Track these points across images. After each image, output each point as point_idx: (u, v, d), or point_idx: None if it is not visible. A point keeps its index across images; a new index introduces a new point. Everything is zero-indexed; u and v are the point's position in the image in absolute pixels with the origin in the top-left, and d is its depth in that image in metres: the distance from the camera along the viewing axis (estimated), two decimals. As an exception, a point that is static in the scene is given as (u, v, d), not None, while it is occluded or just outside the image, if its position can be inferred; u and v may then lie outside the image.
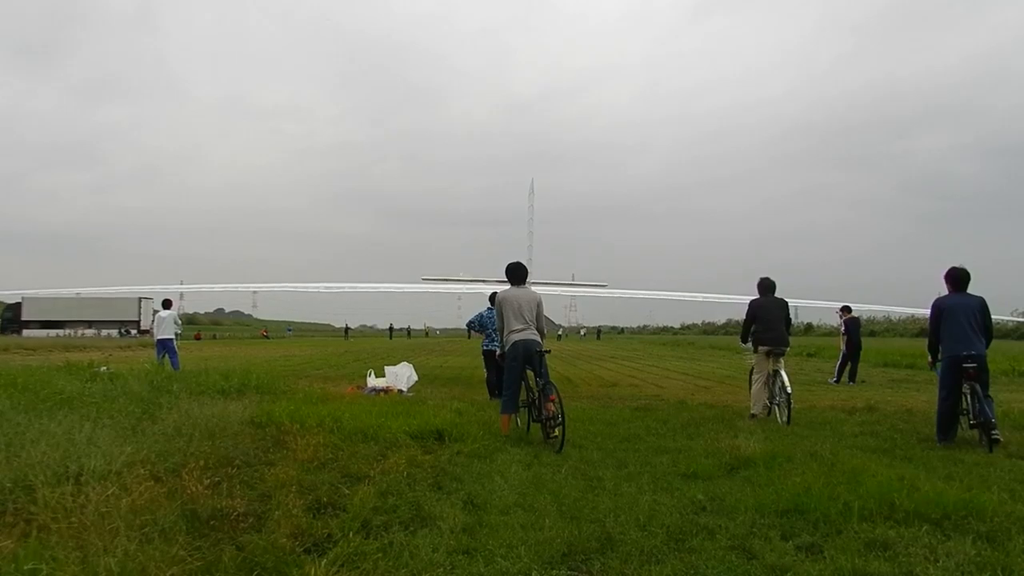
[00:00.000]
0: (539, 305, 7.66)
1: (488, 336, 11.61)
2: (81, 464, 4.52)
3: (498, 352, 8.37)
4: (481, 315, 12.02)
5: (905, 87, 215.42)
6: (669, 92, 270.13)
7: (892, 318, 76.30)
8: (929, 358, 7.74)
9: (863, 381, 15.79)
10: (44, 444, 4.95)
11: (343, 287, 64.62)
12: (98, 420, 6.24)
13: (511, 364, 7.43)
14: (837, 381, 15.68)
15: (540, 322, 7.62)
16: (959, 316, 7.24)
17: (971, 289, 7.45)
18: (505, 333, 7.53)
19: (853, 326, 16.31)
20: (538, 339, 7.47)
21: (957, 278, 7.49)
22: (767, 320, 9.11)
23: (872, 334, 71.34)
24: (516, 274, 7.78)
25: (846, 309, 16.82)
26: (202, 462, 4.85)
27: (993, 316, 7.48)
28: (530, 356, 7.34)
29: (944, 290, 7.59)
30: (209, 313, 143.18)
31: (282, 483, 4.64)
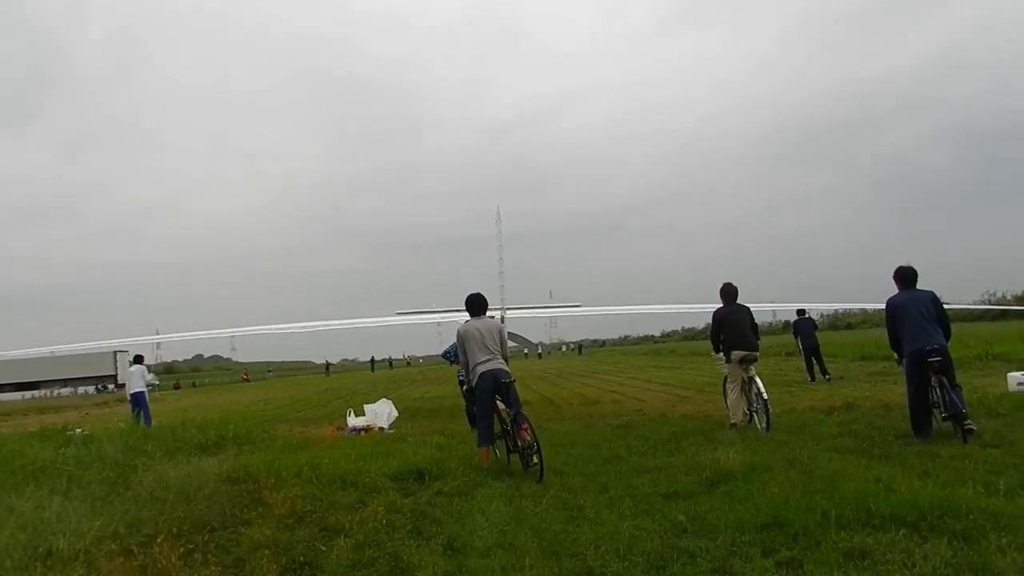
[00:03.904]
0: (501, 332, 7.68)
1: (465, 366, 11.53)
2: (50, 544, 4.42)
3: (464, 387, 8.29)
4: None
5: (872, 84, 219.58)
6: (643, 108, 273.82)
7: (867, 309, 77.30)
8: (895, 355, 7.85)
9: (841, 377, 16.02)
10: (12, 524, 4.83)
11: (316, 326, 63.90)
12: (68, 492, 6.10)
13: (482, 396, 7.39)
14: (812, 379, 16.07)
15: (505, 349, 7.62)
16: (913, 312, 7.37)
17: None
18: (471, 366, 7.50)
19: (802, 327, 17.21)
20: (506, 368, 7.46)
21: (905, 275, 7.64)
22: (736, 327, 9.15)
23: (849, 327, 72.27)
24: (477, 305, 7.75)
25: (800, 312, 18.18)
26: (175, 529, 4.77)
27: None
28: (499, 386, 7.31)
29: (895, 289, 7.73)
30: (188, 360, 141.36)
31: (257, 545, 4.55)
